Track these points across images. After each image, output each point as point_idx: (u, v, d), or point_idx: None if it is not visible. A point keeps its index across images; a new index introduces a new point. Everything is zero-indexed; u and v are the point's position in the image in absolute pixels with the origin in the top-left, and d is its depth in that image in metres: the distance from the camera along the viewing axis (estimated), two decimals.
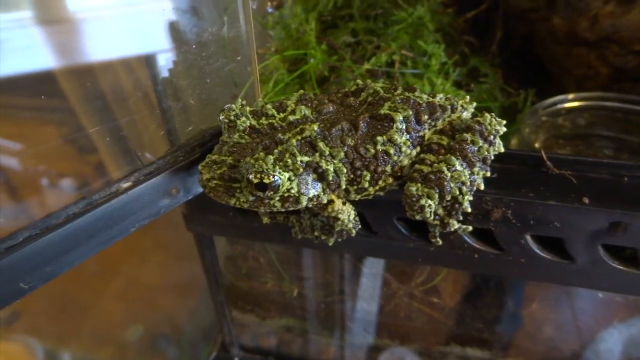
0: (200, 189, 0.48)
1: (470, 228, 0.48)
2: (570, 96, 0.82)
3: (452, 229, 0.46)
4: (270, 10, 0.79)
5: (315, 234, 0.50)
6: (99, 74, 0.63)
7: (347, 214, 0.46)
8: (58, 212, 0.38)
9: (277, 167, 0.40)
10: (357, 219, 0.48)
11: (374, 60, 0.75)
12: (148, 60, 0.63)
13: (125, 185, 0.41)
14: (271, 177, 0.39)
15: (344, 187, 0.43)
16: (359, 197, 0.46)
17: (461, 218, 0.46)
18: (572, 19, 0.90)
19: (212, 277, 0.65)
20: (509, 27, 1.01)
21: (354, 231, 0.48)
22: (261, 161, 0.39)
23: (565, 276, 0.51)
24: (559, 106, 0.81)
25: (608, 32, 0.85)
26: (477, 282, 0.73)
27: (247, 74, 0.61)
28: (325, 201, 0.44)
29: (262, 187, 0.39)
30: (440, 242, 0.51)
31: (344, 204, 0.46)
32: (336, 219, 0.46)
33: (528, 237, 0.48)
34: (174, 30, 0.65)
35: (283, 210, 0.43)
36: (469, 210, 0.45)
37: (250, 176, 0.39)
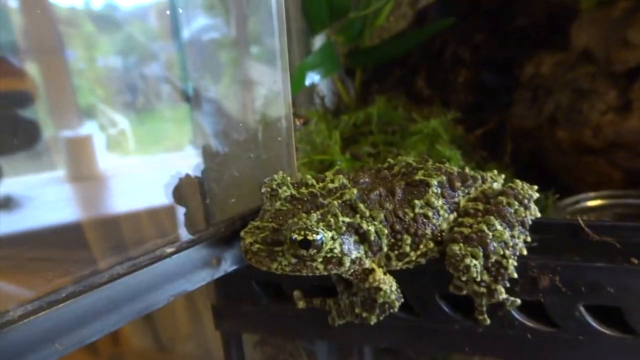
0: (237, 264, 0.48)
1: (519, 301, 0.46)
2: (592, 194, 0.84)
3: (500, 298, 0.44)
4: (298, 127, 0.87)
5: (356, 311, 0.47)
6: (124, 223, 0.66)
7: (389, 285, 0.45)
8: (103, 272, 0.38)
9: (321, 225, 0.40)
10: (399, 290, 0.46)
11: None
12: None
13: (169, 250, 0.42)
14: (314, 234, 0.39)
15: (385, 250, 0.43)
16: (400, 264, 0.45)
17: (508, 285, 0.44)
18: (575, 131, 0.97)
19: None
20: (516, 143, 1.08)
21: (396, 303, 0.46)
22: (305, 219, 0.40)
23: (634, 357, 0.46)
24: (582, 204, 0.83)
25: (613, 138, 0.91)
26: None
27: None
28: (367, 265, 0.43)
29: (306, 244, 0.40)
30: (488, 321, 0.48)
31: (384, 274, 0.45)
32: (378, 289, 0.45)
33: (582, 309, 0.46)
34: (207, 153, 0.71)
35: (325, 273, 0.42)
36: (515, 275, 0.44)
37: (294, 235, 0.40)
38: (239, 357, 0.60)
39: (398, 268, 0.46)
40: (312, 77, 0.93)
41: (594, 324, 0.46)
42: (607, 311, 0.46)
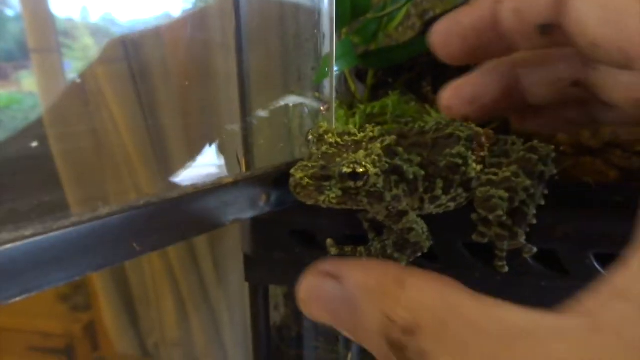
0: (281, 205, 0.52)
1: (535, 249, 0.51)
2: None
3: (521, 240, 0.49)
4: (323, 112, 0.92)
5: (388, 252, 0.51)
6: None
7: (420, 226, 0.50)
8: (174, 191, 0.42)
9: (367, 160, 0.45)
10: (429, 233, 0.51)
11: None
12: None
13: (227, 180, 0.46)
14: (362, 168, 0.44)
15: (421, 190, 0.48)
16: (432, 207, 0.50)
17: (528, 230, 0.49)
18: (574, 132, 1.03)
19: (260, 331, 0.63)
20: None
21: (427, 243, 0.50)
22: (353, 156, 0.45)
23: None
24: None
25: (610, 138, 0.97)
26: None
27: None
28: (403, 204, 0.48)
29: (354, 176, 0.44)
30: (507, 269, 0.52)
31: (417, 217, 0.50)
32: (411, 229, 0.49)
33: (592, 256, 0.51)
34: None
35: (368, 207, 0.47)
36: (534, 221, 0.49)
37: (344, 169, 0.44)
38: (265, 308, 0.63)
39: (429, 211, 0.50)
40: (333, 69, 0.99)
41: (602, 271, 0.51)
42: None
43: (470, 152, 0.50)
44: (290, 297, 0.70)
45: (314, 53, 0.73)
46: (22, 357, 1.40)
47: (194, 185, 0.44)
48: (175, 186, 0.44)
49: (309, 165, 0.47)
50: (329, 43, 0.63)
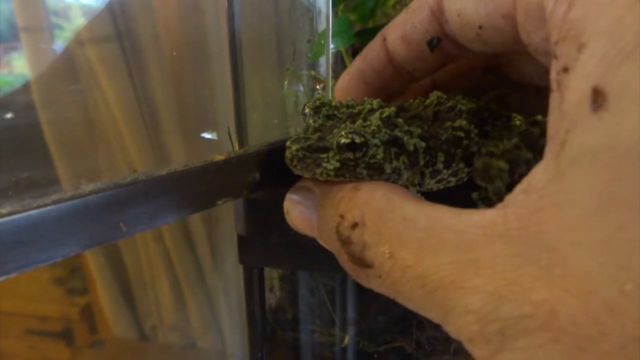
0: (275, 184, 0.50)
1: None
2: None
3: None
4: (319, 90, 0.90)
5: None
6: None
7: None
8: (162, 170, 0.40)
9: (366, 130, 0.43)
10: None
11: None
12: None
13: (219, 158, 0.44)
14: (361, 138, 0.42)
15: (422, 163, 0.46)
16: (432, 182, 0.48)
17: None
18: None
19: (255, 314, 0.61)
20: None
21: None
22: (351, 126, 0.43)
23: None
24: None
25: None
26: None
27: None
28: (404, 177, 0.46)
29: (353, 147, 0.42)
30: None
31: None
32: None
33: None
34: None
35: (367, 180, 0.45)
36: None
37: (342, 140, 0.42)
38: (260, 290, 0.62)
39: (430, 187, 0.49)
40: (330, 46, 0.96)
41: None
42: None
43: (472, 126, 0.48)
44: (285, 280, 0.68)
45: (309, 28, 0.71)
46: (19, 340, 1.39)
47: (184, 163, 0.42)
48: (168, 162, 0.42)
49: (306, 137, 0.45)
50: (325, 18, 0.60)
